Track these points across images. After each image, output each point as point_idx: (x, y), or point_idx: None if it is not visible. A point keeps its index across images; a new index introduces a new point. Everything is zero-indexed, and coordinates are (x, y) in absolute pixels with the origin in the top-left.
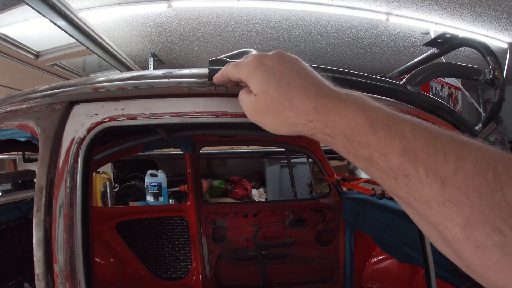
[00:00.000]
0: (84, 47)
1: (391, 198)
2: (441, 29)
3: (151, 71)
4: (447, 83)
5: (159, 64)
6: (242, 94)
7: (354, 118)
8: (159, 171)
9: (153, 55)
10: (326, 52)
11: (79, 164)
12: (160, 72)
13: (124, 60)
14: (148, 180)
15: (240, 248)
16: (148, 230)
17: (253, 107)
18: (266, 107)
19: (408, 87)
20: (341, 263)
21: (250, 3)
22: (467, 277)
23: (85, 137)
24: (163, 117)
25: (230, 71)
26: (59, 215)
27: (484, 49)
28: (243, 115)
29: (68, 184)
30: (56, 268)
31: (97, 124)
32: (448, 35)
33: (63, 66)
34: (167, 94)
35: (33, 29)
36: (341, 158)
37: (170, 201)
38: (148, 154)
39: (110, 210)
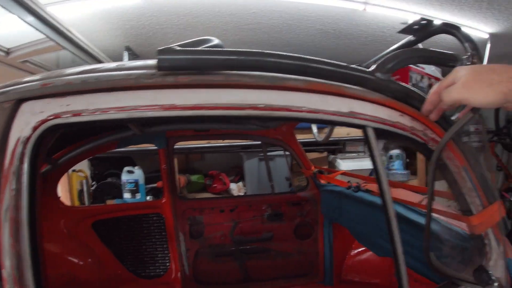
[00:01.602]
0: (54, 43)
1: (367, 191)
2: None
3: (104, 64)
4: (427, 74)
5: (134, 57)
6: (449, 88)
7: None
8: (136, 167)
9: (128, 48)
10: (305, 43)
11: (24, 165)
12: (113, 64)
13: (97, 55)
14: (124, 177)
15: (217, 244)
16: (125, 228)
17: (462, 85)
18: (473, 78)
19: (378, 74)
20: (321, 256)
21: None
22: (441, 272)
23: (30, 136)
24: (109, 112)
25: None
26: (5, 219)
27: (462, 36)
28: (194, 107)
29: (13, 186)
30: (4, 273)
31: (42, 122)
32: (425, 21)
33: (35, 62)
34: (114, 87)
35: (3, 26)
36: (320, 150)
37: (148, 198)
38: (125, 150)
39: (86, 209)
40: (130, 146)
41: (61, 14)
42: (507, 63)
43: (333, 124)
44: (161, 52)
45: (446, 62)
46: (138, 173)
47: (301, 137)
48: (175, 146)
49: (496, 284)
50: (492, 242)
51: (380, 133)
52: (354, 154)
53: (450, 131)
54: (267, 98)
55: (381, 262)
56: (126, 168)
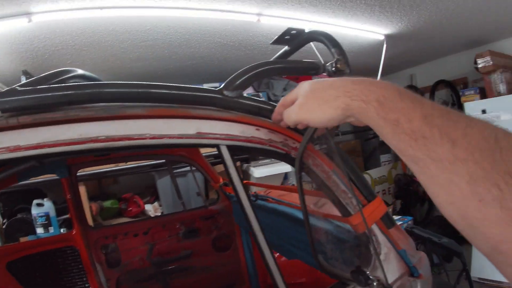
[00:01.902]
0: None
1: (263, 199)
2: (315, 27)
3: None
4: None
5: None
6: (288, 110)
7: (387, 88)
8: (45, 199)
9: (25, 72)
10: (206, 56)
11: None
12: None
13: None
14: (34, 211)
15: (137, 269)
16: (41, 265)
17: (300, 106)
18: (310, 96)
19: (226, 92)
20: (243, 265)
21: (114, 12)
22: (331, 273)
23: None
24: None
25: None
26: None
27: (329, 42)
28: (36, 147)
29: None
30: None
31: None
32: (294, 31)
33: None
34: None
35: None
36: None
37: (62, 230)
38: (32, 182)
39: None
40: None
41: None
42: (404, 61)
43: (182, 147)
44: (3, 94)
45: (307, 71)
46: (48, 205)
47: (211, 150)
48: (82, 173)
49: (375, 283)
50: (379, 237)
51: (237, 149)
52: (267, 161)
53: (303, 141)
54: (107, 129)
55: (303, 263)
56: (35, 201)
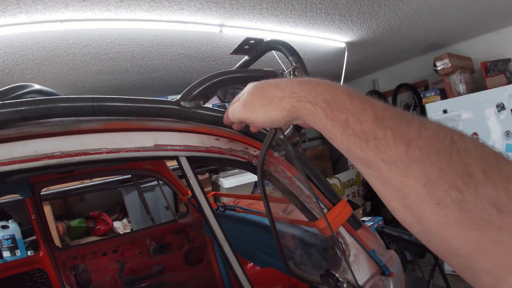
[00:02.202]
0: None
1: (232, 209)
2: (277, 36)
3: None
4: None
5: None
6: (232, 106)
7: (335, 89)
8: (10, 221)
9: None
10: (170, 68)
11: None
12: None
13: None
14: (0, 233)
15: None
16: None
17: (243, 104)
18: (255, 95)
19: (183, 103)
20: (218, 277)
21: (74, 25)
22: (301, 278)
23: None
24: None
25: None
26: None
27: (287, 50)
28: (12, 162)
29: None
30: None
31: None
32: (252, 41)
33: None
34: None
35: None
36: (202, 172)
37: (29, 253)
38: None
39: None
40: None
41: None
42: (366, 67)
43: (140, 160)
44: None
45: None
46: (13, 227)
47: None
48: (46, 192)
49: (345, 285)
50: (347, 239)
51: (197, 160)
52: (236, 171)
53: (262, 149)
54: (62, 144)
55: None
56: (0, 224)
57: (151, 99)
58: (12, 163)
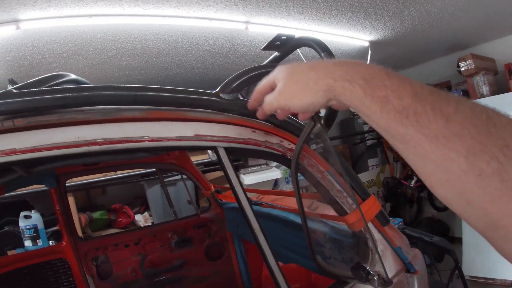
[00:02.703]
0: None
1: (257, 204)
2: (302, 34)
3: None
4: None
5: None
6: (268, 96)
7: (372, 67)
8: (33, 211)
9: (12, 81)
10: (194, 65)
11: None
12: None
13: None
14: (22, 223)
15: (130, 281)
16: (30, 279)
17: (279, 92)
18: (290, 81)
19: (222, 95)
20: (237, 273)
21: (102, 20)
22: (329, 272)
23: None
24: None
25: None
26: None
27: (318, 46)
28: (32, 150)
29: None
30: None
31: None
32: (284, 37)
33: None
34: None
35: None
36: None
37: (51, 243)
38: (19, 194)
39: None
40: (24, 188)
41: None
42: (388, 67)
43: (181, 149)
44: None
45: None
46: (36, 217)
47: (201, 158)
48: (70, 183)
49: (376, 278)
50: (375, 235)
51: (234, 151)
52: (257, 168)
53: (299, 142)
54: (105, 132)
55: (297, 267)
56: (23, 213)
57: (192, 90)
58: (53, 149)
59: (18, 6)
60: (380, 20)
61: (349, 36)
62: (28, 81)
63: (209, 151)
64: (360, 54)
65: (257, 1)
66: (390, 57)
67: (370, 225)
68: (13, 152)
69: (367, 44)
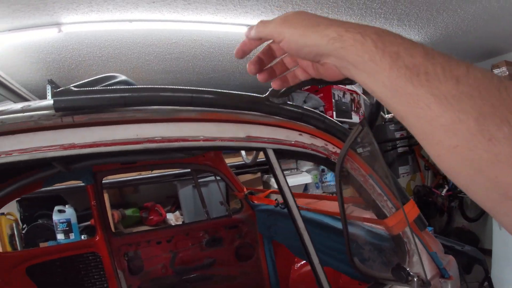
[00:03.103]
0: None
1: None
2: None
3: (10, 106)
4: (348, 90)
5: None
6: (267, 20)
7: (383, 28)
8: (67, 206)
9: (51, 82)
10: (229, 70)
11: None
12: (19, 106)
13: (17, 90)
14: (56, 217)
15: (159, 277)
16: (61, 271)
17: (283, 18)
18: (300, 17)
19: (272, 99)
20: (265, 274)
21: (142, 25)
22: (367, 274)
23: None
24: (12, 154)
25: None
26: None
27: None
28: (91, 145)
29: None
30: None
31: None
32: None
33: None
34: (17, 130)
35: None
36: (254, 171)
37: (83, 237)
38: (54, 189)
39: (18, 254)
40: (59, 184)
41: None
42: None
43: (233, 149)
44: (57, 93)
45: (342, 82)
46: (69, 212)
47: (233, 160)
48: (105, 181)
49: (415, 279)
50: (412, 239)
51: (282, 153)
52: (287, 172)
53: (345, 145)
54: (163, 130)
55: (325, 270)
56: (57, 208)
57: (244, 94)
58: (113, 145)
59: (61, 10)
60: (413, 26)
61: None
62: (85, 80)
63: (243, 154)
64: None
65: (293, 9)
66: None
67: (407, 228)
68: (72, 146)
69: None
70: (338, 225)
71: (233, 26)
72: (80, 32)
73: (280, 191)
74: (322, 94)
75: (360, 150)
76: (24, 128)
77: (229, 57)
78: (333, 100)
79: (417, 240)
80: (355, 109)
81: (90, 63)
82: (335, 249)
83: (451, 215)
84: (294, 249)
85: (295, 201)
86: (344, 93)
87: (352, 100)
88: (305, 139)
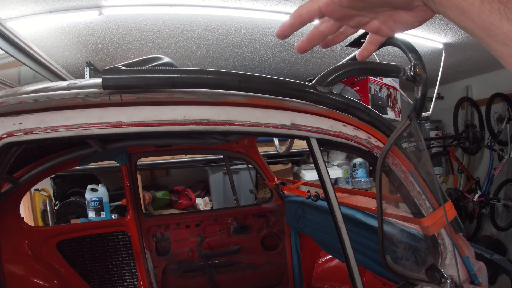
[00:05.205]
0: (13, 58)
1: (325, 199)
2: None
3: (56, 83)
4: (385, 84)
5: (95, 73)
6: None
7: None
8: (100, 185)
9: (89, 64)
10: (265, 58)
11: None
12: (65, 83)
13: (57, 71)
14: (88, 195)
15: (185, 259)
16: (90, 247)
17: None
18: None
19: (318, 88)
20: (289, 266)
21: (183, 10)
22: (398, 273)
23: None
24: (58, 130)
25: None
26: None
27: (405, 47)
28: (138, 124)
29: None
30: None
31: None
32: None
33: None
34: (63, 106)
35: None
36: (285, 162)
37: (113, 216)
38: (88, 168)
39: (49, 229)
40: (93, 164)
41: (21, 29)
42: (461, 71)
43: (277, 136)
44: (106, 71)
45: (389, 73)
46: (102, 191)
47: (265, 149)
48: (138, 162)
49: (449, 281)
50: (446, 241)
51: (325, 143)
52: None
53: (391, 139)
54: (210, 113)
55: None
56: (90, 186)
57: (291, 81)
58: (160, 125)
59: None
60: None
61: (423, 37)
62: (133, 60)
63: (277, 144)
64: (433, 56)
65: None
66: (463, 61)
67: (442, 230)
68: (119, 124)
69: (441, 46)
70: (369, 220)
71: (273, 14)
72: (120, 16)
73: (321, 182)
74: (358, 88)
75: (405, 145)
76: (70, 104)
77: (266, 45)
78: (369, 94)
79: (450, 243)
80: (391, 104)
81: (129, 46)
82: (364, 245)
83: (481, 222)
84: (322, 243)
85: (335, 194)
86: (380, 88)
87: (389, 95)
88: (349, 130)
